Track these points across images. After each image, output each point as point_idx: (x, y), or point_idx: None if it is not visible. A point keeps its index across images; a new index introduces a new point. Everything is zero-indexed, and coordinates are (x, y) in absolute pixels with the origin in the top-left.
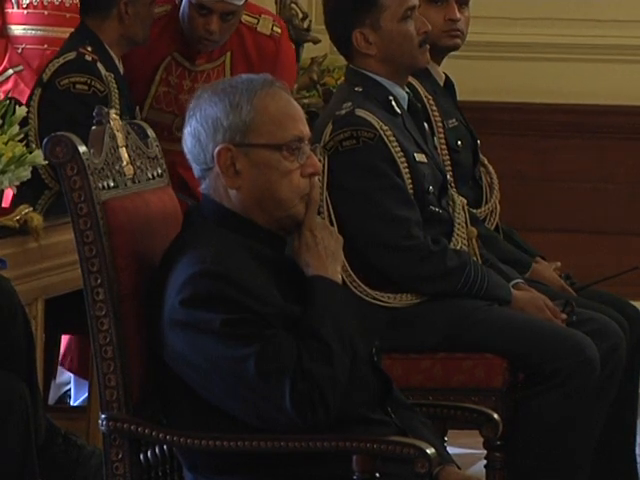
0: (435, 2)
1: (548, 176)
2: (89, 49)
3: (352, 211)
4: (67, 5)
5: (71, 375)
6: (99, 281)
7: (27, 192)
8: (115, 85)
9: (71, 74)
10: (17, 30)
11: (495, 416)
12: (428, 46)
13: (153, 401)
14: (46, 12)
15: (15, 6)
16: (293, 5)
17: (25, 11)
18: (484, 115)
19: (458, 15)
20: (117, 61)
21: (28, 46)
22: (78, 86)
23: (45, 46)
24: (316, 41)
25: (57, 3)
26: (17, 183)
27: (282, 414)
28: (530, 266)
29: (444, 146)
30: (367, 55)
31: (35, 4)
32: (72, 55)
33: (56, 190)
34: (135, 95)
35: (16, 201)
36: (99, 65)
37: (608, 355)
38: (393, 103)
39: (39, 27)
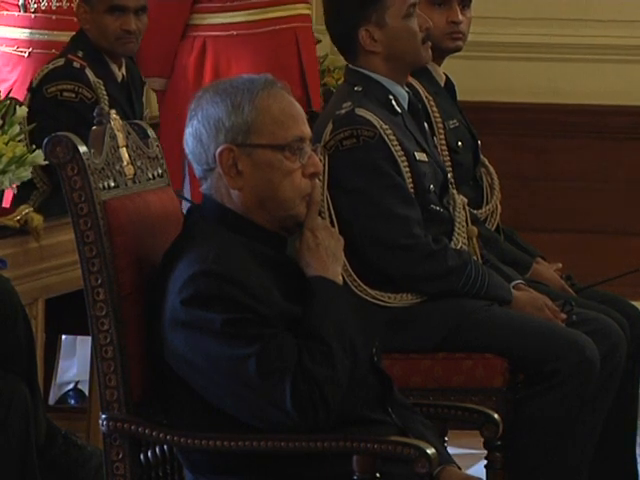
0: (437, 4)
1: (549, 176)
2: (79, 55)
3: (353, 210)
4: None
5: (73, 374)
6: (99, 281)
7: (19, 193)
8: (104, 92)
9: (58, 81)
10: (24, 34)
11: (495, 416)
12: (430, 43)
13: (153, 401)
14: (54, 17)
15: (22, 10)
16: None
17: (33, 15)
18: (484, 115)
19: (460, 17)
20: (116, 69)
21: (35, 50)
22: (65, 93)
23: (53, 50)
24: (316, 41)
25: (65, 7)
26: (17, 183)
27: (283, 414)
28: (530, 266)
29: (444, 147)
30: (372, 53)
31: (43, 8)
32: (61, 62)
33: (45, 191)
34: None
35: (16, 201)
36: (88, 71)
37: (608, 355)
38: (393, 102)
39: (46, 31)
